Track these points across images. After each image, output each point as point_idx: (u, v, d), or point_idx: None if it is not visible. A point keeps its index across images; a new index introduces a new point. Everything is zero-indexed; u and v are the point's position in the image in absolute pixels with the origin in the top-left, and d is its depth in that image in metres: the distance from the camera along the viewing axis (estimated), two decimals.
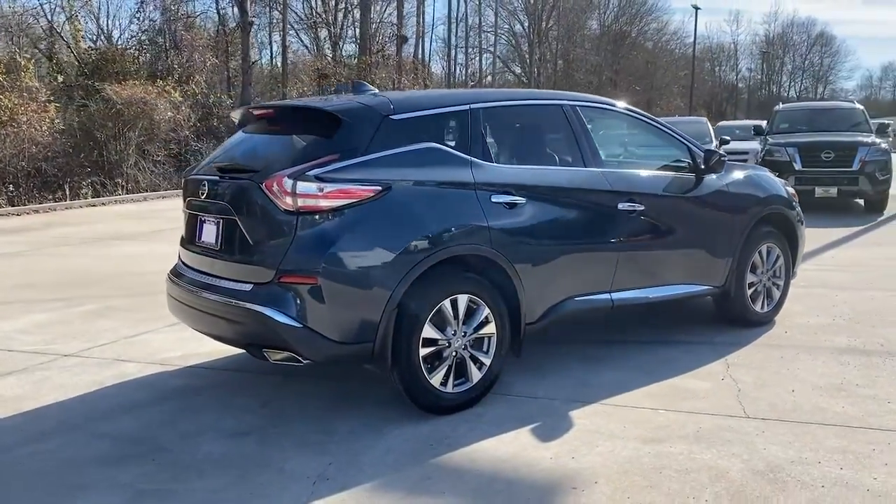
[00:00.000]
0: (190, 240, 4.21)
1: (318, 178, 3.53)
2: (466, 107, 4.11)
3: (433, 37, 47.41)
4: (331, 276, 3.51)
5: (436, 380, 3.80)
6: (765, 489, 3.06)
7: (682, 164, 5.05)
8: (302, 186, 3.51)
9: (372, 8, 32.36)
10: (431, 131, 3.94)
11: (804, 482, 3.11)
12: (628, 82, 49.30)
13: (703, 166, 5.02)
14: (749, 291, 5.35)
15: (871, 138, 12.36)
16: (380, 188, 3.62)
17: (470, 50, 46.83)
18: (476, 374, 3.95)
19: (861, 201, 12.71)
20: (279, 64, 35.83)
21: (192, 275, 4.09)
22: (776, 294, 5.59)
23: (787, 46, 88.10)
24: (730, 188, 5.19)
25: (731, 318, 5.44)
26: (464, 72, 43.61)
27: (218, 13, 26.37)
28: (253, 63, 25.41)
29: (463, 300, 3.84)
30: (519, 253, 4.02)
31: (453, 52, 36.12)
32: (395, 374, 3.70)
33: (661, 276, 4.82)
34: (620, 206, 4.50)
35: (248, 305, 3.58)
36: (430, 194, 3.80)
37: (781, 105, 14.78)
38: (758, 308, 5.46)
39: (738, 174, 5.33)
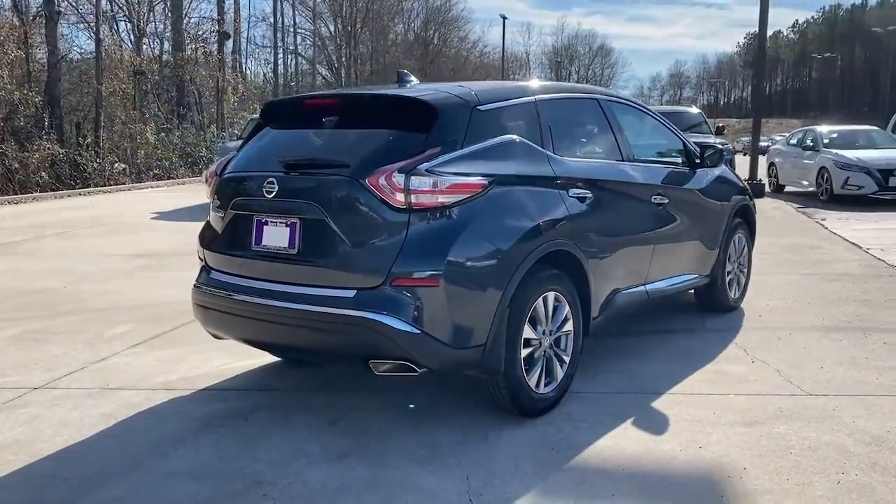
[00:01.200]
0: (236, 244, 3.74)
1: (430, 173, 3.27)
2: (533, 98, 4.00)
3: (248, 36, 45.66)
4: (451, 277, 3.26)
5: (532, 381, 3.66)
6: (894, 459, 3.26)
7: (682, 158, 5.25)
8: (416, 181, 3.24)
9: (183, 2, 30.61)
10: (509, 123, 3.79)
11: None
12: None
13: (698, 160, 5.25)
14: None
15: (715, 139, 13.59)
16: (486, 182, 3.42)
17: (275, 50, 45.78)
18: (559, 374, 3.85)
19: None
20: (70, 59, 32.75)
21: (248, 283, 3.63)
22: (742, 281, 5.98)
23: (574, 57, 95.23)
24: (717, 181, 5.48)
25: (711, 305, 5.73)
26: (282, 73, 42.43)
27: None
28: (62, 57, 22.96)
29: (551, 298, 3.73)
30: (590, 248, 3.98)
31: (272, 52, 34.98)
32: (501, 377, 3.51)
33: (677, 267, 4.98)
34: (653, 199, 4.60)
35: (356, 313, 3.24)
36: (527, 189, 3.66)
37: None
38: (732, 294, 5.81)
39: (715, 169, 5.63)
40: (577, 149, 4.25)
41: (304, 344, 3.55)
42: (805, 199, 14.68)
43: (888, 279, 7.09)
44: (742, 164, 18.28)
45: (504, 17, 45.53)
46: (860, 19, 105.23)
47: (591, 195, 4.01)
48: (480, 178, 3.40)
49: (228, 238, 3.79)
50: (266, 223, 3.59)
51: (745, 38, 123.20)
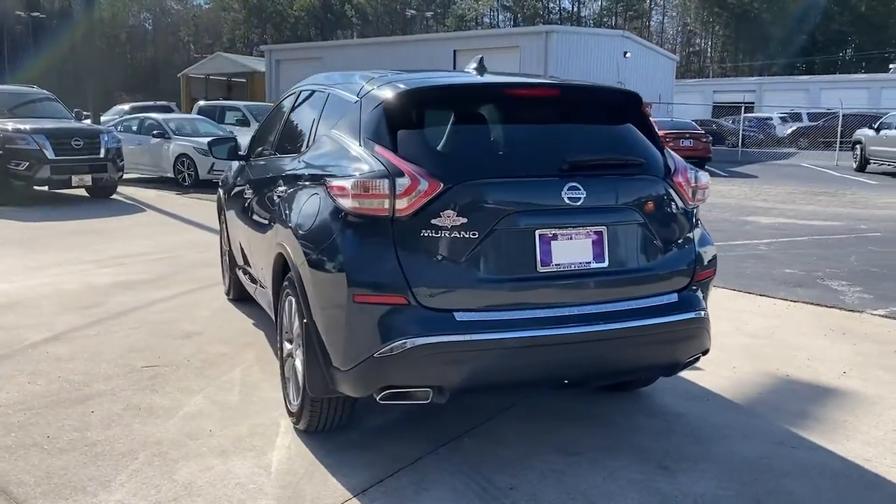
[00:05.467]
0: (505, 270, 2.91)
1: (696, 169, 3.40)
2: None
3: None
4: None
5: None
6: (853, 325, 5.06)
7: None
8: (702, 179, 3.35)
9: None
10: None
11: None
12: None
13: None
14: None
15: (106, 126, 12.67)
16: None
17: None
18: None
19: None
20: None
21: (535, 314, 2.92)
22: None
23: None
24: None
25: None
26: None
27: None
28: None
29: None
30: None
31: None
32: None
33: None
34: None
35: (690, 315, 3.18)
36: None
37: None
38: None
39: None
40: None
41: (631, 364, 3.16)
42: (167, 187, 14.88)
43: None
44: None
45: None
46: None
47: None
48: None
49: (487, 264, 2.88)
50: (555, 237, 2.95)
51: None
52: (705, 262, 3.35)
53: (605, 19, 78.46)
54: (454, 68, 29.59)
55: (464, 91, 3.28)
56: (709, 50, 77.33)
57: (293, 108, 4.36)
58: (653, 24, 77.86)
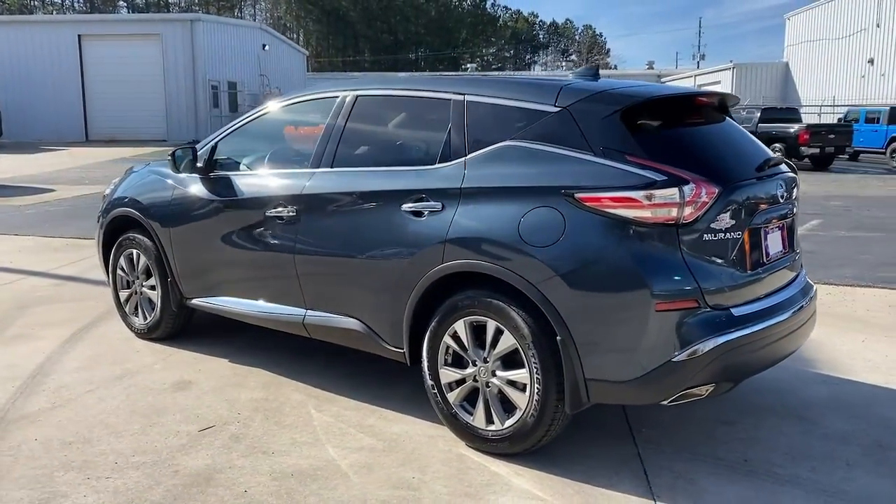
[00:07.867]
0: (750, 266, 3.20)
1: None
2: None
3: None
4: None
5: None
6: None
7: None
8: None
9: None
10: None
11: None
12: None
13: None
14: None
15: None
16: None
17: None
18: None
19: None
20: None
21: (769, 303, 3.25)
22: None
23: None
24: None
25: None
26: None
27: None
28: None
29: None
30: None
31: None
32: None
33: None
34: None
35: (815, 288, 3.78)
36: None
37: None
38: None
39: None
40: None
41: (807, 338, 3.60)
42: None
43: None
44: None
45: None
46: None
47: None
48: None
49: (743, 260, 3.16)
50: (770, 230, 3.35)
51: None
52: None
53: (194, 7, 76.01)
54: (80, 56, 26.50)
55: (683, 101, 3.44)
56: (302, 44, 79.68)
57: (350, 118, 3.88)
58: (245, 15, 77.59)
